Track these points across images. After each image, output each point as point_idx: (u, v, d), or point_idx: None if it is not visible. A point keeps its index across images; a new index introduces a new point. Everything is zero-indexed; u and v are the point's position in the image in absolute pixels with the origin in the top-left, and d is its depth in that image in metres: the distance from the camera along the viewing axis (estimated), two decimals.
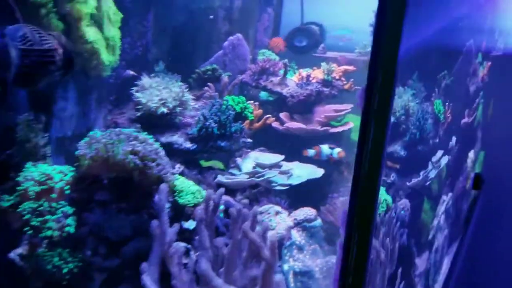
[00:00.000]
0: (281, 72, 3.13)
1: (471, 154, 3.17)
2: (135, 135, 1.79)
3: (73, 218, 1.71)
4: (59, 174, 1.74)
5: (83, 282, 1.75)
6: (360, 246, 0.87)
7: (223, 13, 3.12)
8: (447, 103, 2.50)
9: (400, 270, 1.40)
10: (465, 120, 2.89)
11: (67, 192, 1.72)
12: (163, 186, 1.57)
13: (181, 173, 2.03)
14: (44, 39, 1.25)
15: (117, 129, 1.84)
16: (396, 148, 2.15)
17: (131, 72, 2.46)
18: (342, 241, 0.89)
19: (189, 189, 1.93)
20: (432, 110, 2.34)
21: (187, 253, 1.69)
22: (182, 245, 1.67)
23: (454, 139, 2.48)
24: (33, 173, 1.68)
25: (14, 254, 1.73)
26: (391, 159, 2.07)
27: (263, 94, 3.25)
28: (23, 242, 1.75)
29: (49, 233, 1.63)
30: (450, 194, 2.62)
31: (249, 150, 2.47)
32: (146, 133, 1.89)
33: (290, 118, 2.99)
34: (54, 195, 1.69)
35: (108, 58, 1.91)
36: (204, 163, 2.32)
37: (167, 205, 1.69)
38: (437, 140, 2.38)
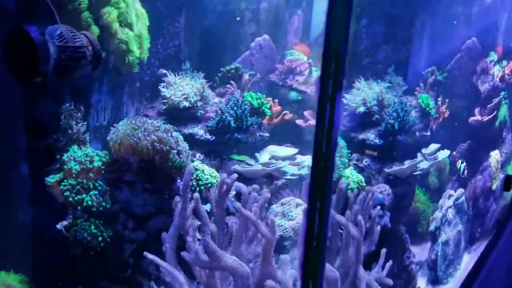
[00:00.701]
0: (308, 71, 3.23)
1: (495, 154, 3.11)
2: (157, 125, 1.97)
3: (107, 195, 1.92)
4: (98, 156, 1.96)
5: (115, 251, 1.95)
6: (321, 213, 0.99)
7: (250, 15, 3.26)
8: (439, 98, 2.48)
9: (384, 250, 1.47)
10: (477, 118, 2.84)
11: (103, 172, 1.93)
12: (189, 168, 1.71)
13: (201, 162, 2.19)
14: (76, 38, 1.46)
15: (143, 119, 2.03)
16: (369, 136, 2.17)
17: (164, 71, 2.67)
18: (307, 209, 1.01)
19: (206, 171, 2.11)
20: (417, 104, 2.34)
21: (200, 229, 1.85)
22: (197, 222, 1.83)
23: (459, 135, 2.47)
24: (76, 154, 1.90)
25: (60, 226, 1.97)
26: (364, 146, 2.11)
27: (293, 94, 3.36)
28: (68, 216, 1.99)
29: (89, 203, 1.85)
30: (461, 190, 2.60)
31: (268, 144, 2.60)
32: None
33: (313, 115, 3.10)
34: (92, 174, 1.90)
35: (137, 56, 2.11)
36: (235, 157, 2.48)
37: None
38: (428, 133, 2.36)
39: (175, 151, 1.94)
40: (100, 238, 1.88)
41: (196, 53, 2.91)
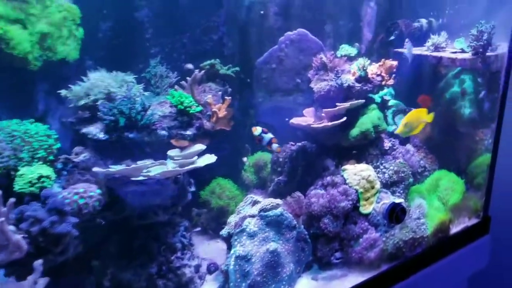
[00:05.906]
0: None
1: (357, 170, 2.23)
2: None
3: None
4: None
5: None
6: None
7: (275, 9, 2.67)
8: (212, 95, 2.32)
9: (39, 261, 1.43)
10: (300, 121, 2.35)
11: None
12: None
13: (86, 161, 1.90)
14: None
15: None
16: (92, 130, 1.98)
17: (189, 66, 2.51)
18: None
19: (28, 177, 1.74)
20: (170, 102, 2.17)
21: None
22: None
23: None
24: None
25: None
26: (88, 140, 1.93)
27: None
28: None
29: None
30: (273, 200, 1.99)
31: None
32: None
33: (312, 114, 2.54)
34: None
35: (34, 54, 1.98)
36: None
37: None
38: (189, 132, 2.13)
39: None
40: None
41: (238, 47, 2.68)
